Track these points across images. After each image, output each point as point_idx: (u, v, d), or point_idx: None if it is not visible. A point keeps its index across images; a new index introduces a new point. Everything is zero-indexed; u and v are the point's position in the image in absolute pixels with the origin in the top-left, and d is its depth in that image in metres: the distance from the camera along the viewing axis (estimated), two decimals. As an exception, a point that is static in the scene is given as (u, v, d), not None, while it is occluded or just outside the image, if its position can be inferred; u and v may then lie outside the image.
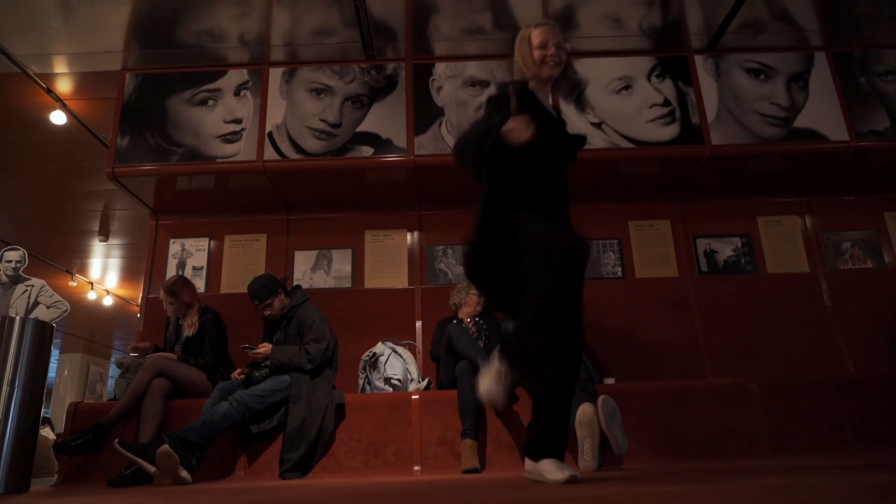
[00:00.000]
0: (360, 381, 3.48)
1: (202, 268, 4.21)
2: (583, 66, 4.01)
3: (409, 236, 4.27)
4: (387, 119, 3.94)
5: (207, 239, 4.28)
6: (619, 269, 4.18)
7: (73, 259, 7.16)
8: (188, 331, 3.43)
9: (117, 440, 2.74)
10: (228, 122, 3.94)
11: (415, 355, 3.72)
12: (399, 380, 3.35)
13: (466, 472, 2.78)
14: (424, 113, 3.95)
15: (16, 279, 3.32)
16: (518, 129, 1.78)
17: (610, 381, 3.52)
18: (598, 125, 3.92)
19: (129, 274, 7.69)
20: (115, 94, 4.02)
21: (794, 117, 3.94)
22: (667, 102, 3.97)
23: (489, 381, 1.83)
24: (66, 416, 3.23)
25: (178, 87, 4.02)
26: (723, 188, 4.24)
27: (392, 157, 3.85)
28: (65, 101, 4.25)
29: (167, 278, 3.89)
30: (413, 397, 3.14)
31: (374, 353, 3.46)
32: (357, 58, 4.05)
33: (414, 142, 3.88)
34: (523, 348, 1.77)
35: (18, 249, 3.39)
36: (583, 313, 1.81)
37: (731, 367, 3.83)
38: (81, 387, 10.40)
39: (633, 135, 3.89)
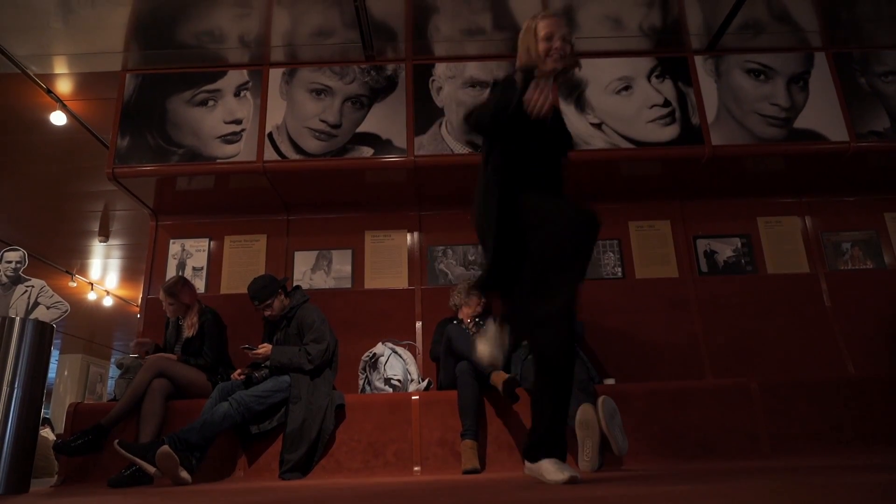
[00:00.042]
0: (360, 382, 3.48)
1: (202, 268, 4.21)
2: (583, 67, 3.99)
3: (409, 237, 4.27)
4: (387, 119, 3.94)
5: (207, 239, 4.28)
6: (619, 269, 4.18)
7: (73, 260, 7.15)
8: (188, 332, 3.43)
9: (117, 441, 2.74)
10: (228, 123, 3.94)
11: (415, 356, 3.72)
12: (399, 380, 3.35)
13: (466, 472, 2.78)
14: (424, 113, 3.95)
15: (16, 280, 3.32)
16: (540, 97, 1.77)
17: (610, 381, 3.52)
18: (598, 126, 3.92)
19: (129, 274, 7.68)
20: (115, 94, 4.02)
21: (794, 118, 3.94)
22: (667, 103, 3.97)
23: (488, 343, 1.88)
24: (66, 417, 3.23)
25: (178, 87, 4.02)
26: (723, 189, 4.24)
27: (392, 158, 3.86)
28: (65, 102, 4.25)
29: (167, 279, 3.90)
30: (413, 398, 3.14)
31: (374, 354, 3.46)
32: (357, 58, 4.06)
33: (414, 142, 3.88)
34: (532, 312, 1.76)
35: (18, 250, 3.39)
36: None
37: (731, 367, 3.83)
38: (81, 387, 10.40)
39: (633, 135, 3.89)
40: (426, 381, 3.43)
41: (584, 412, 2.60)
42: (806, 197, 4.33)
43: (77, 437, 2.95)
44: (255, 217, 4.29)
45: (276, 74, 4.05)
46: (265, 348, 3.13)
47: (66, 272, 7.33)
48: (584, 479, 1.71)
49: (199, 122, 3.94)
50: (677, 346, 3.94)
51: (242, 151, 3.87)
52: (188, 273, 4.15)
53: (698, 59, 4.09)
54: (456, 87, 4.02)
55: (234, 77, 4.05)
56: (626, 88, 4.01)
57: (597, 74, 4.02)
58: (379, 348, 3.50)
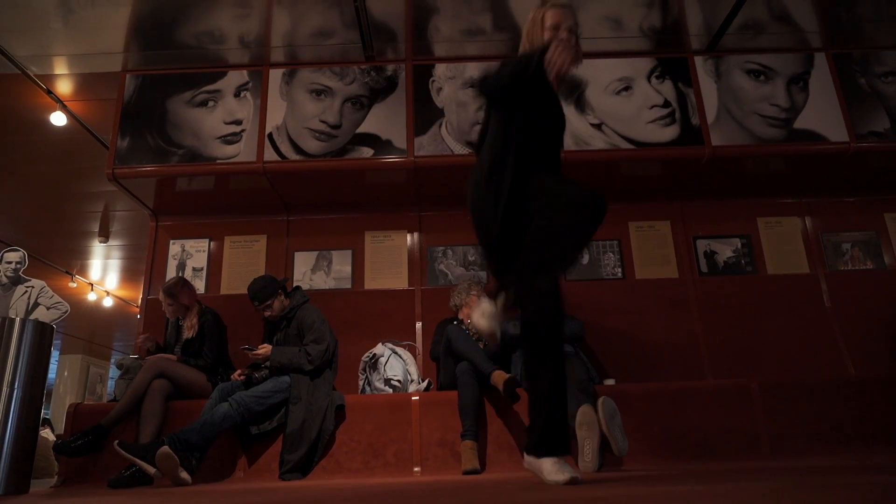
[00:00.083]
0: (360, 382, 3.48)
1: (202, 269, 4.21)
2: (583, 68, 3.98)
3: (409, 237, 4.27)
4: (387, 120, 3.94)
5: (207, 240, 4.28)
6: (619, 269, 4.18)
7: (73, 260, 7.16)
8: (187, 333, 3.43)
9: (117, 441, 2.74)
10: (228, 124, 3.95)
11: (415, 356, 3.72)
12: (399, 381, 3.35)
13: (466, 473, 2.77)
14: (424, 114, 3.95)
15: (16, 280, 3.32)
16: (561, 53, 1.75)
17: (610, 382, 3.51)
18: (598, 126, 3.92)
19: (129, 275, 7.69)
20: (116, 95, 4.02)
21: (794, 118, 3.94)
22: (667, 103, 3.97)
23: (484, 316, 1.88)
24: (66, 418, 3.23)
25: (178, 88, 4.02)
26: (723, 189, 4.24)
27: (392, 159, 3.86)
28: (65, 103, 4.25)
29: (167, 279, 3.90)
30: (413, 398, 3.13)
31: (374, 354, 3.46)
32: (357, 59, 4.06)
33: (414, 143, 3.88)
34: (529, 285, 1.76)
35: (18, 250, 3.39)
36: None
37: (731, 368, 3.83)
38: (81, 388, 10.40)
39: (633, 136, 3.90)
40: (426, 381, 3.43)
41: (584, 413, 2.60)
42: (806, 197, 4.33)
43: (77, 437, 2.95)
44: (255, 217, 4.29)
45: (276, 75, 4.05)
46: (265, 349, 3.13)
47: (66, 273, 7.34)
48: (584, 480, 1.71)
49: (199, 123, 3.94)
50: (677, 346, 3.94)
51: (242, 152, 3.87)
52: (188, 273, 4.15)
53: (698, 60, 4.09)
54: (456, 87, 4.02)
55: (234, 77, 4.05)
56: (627, 89, 4.02)
57: (597, 75, 4.02)
58: (379, 349, 3.50)
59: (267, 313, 3.24)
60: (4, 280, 3.30)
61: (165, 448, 2.62)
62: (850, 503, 0.93)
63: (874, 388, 3.21)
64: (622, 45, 4.03)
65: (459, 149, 3.86)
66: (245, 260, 4.22)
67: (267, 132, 3.91)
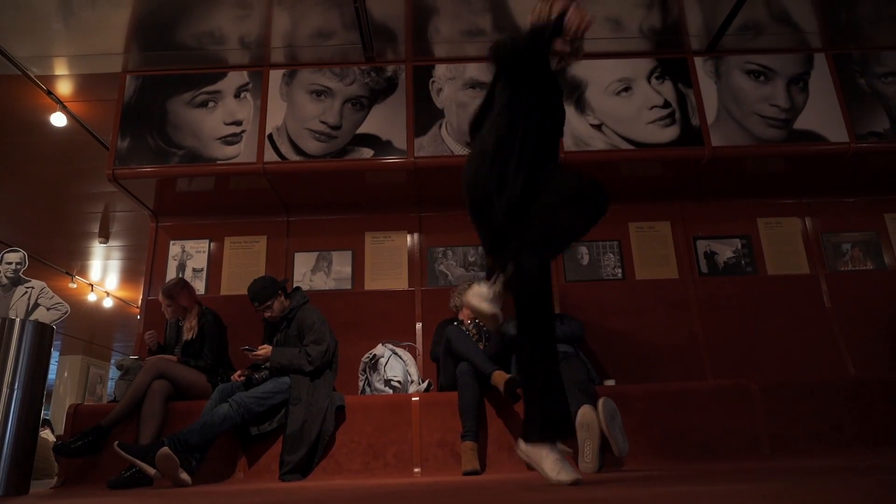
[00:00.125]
0: (360, 383, 3.47)
1: (202, 270, 4.21)
2: (583, 68, 4.01)
3: (409, 238, 4.27)
4: (387, 121, 3.94)
5: (207, 241, 4.28)
6: (619, 270, 4.18)
7: (73, 261, 7.16)
8: (187, 335, 3.43)
9: (117, 442, 2.74)
10: (229, 124, 3.95)
11: (415, 357, 3.72)
12: (399, 382, 3.35)
13: (467, 473, 2.77)
14: (424, 115, 3.95)
15: (16, 281, 3.32)
16: (580, 12, 1.75)
17: (610, 382, 3.51)
18: (598, 127, 3.92)
19: (129, 276, 7.69)
20: (116, 95, 4.02)
21: (793, 119, 3.94)
22: (667, 104, 3.97)
23: (483, 299, 1.79)
24: (65, 418, 3.22)
25: (178, 89, 4.02)
26: (723, 190, 4.24)
27: (392, 159, 3.86)
28: (65, 103, 4.26)
29: (167, 280, 3.90)
30: (413, 399, 3.13)
31: (375, 355, 3.46)
32: (357, 60, 4.06)
33: (414, 143, 3.88)
34: (525, 262, 1.76)
35: (18, 251, 3.39)
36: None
37: (731, 368, 3.83)
38: (81, 389, 10.40)
39: (633, 136, 3.90)
40: (426, 382, 3.43)
41: (584, 413, 2.59)
42: (806, 198, 4.33)
43: (77, 438, 2.95)
44: (255, 218, 4.29)
45: (276, 76, 4.05)
46: (265, 350, 3.13)
47: (67, 273, 7.34)
48: (584, 481, 1.71)
49: (200, 124, 3.94)
50: (677, 347, 3.94)
51: (242, 153, 3.87)
52: (188, 274, 4.15)
53: (698, 61, 4.09)
54: (456, 88, 4.02)
55: (235, 78, 4.05)
56: (626, 90, 4.02)
57: (597, 75, 4.02)
58: (379, 349, 3.49)
59: (267, 314, 3.24)
60: (4, 281, 3.30)
61: (165, 449, 2.62)
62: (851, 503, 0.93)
63: (874, 388, 3.21)
64: (622, 45, 4.03)
65: (459, 149, 3.86)
66: (245, 261, 4.22)
67: (267, 133, 3.91)
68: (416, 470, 2.98)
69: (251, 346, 3.16)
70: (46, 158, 4.94)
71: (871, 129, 3.92)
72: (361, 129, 3.93)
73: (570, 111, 3.92)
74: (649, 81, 4.03)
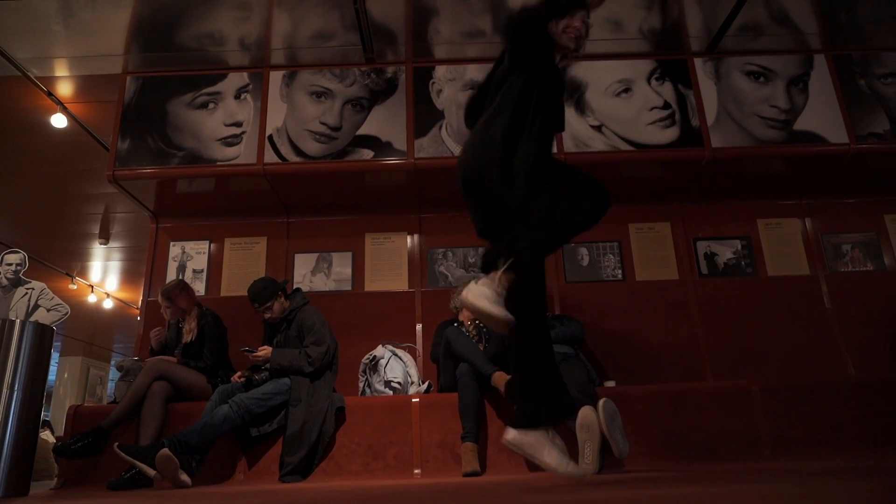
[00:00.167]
0: (361, 385, 3.47)
1: (202, 271, 4.21)
2: (583, 69, 4.01)
3: (409, 239, 4.27)
4: (387, 122, 3.94)
5: (208, 242, 4.28)
6: (619, 271, 4.18)
7: (73, 262, 7.16)
8: (186, 337, 3.43)
9: (117, 444, 2.74)
10: (229, 126, 3.95)
11: (415, 358, 3.72)
12: (399, 383, 3.35)
13: (467, 475, 2.77)
14: (424, 116, 3.96)
15: (16, 282, 3.32)
16: None
17: (610, 384, 3.51)
18: (597, 128, 3.92)
19: (129, 277, 7.69)
20: (116, 97, 4.03)
21: (793, 120, 3.94)
22: (667, 105, 3.97)
23: (484, 296, 1.67)
24: (65, 420, 3.22)
25: (178, 90, 4.03)
26: (723, 191, 4.24)
27: (392, 160, 3.86)
28: (65, 105, 4.26)
29: (167, 282, 3.90)
30: (413, 400, 3.13)
31: (375, 356, 3.46)
32: (357, 61, 4.06)
33: (414, 145, 3.88)
34: (521, 241, 1.74)
35: (19, 252, 3.39)
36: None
37: (731, 369, 3.82)
38: (81, 390, 10.40)
39: (633, 137, 3.90)
40: (426, 383, 3.42)
41: (584, 415, 2.58)
42: (806, 199, 4.33)
43: (77, 439, 2.94)
44: (255, 219, 4.29)
45: (276, 77, 4.06)
46: (265, 351, 3.13)
47: (67, 274, 7.34)
48: (585, 483, 1.71)
49: (200, 125, 3.95)
50: (678, 348, 3.94)
51: (243, 154, 3.87)
52: (188, 275, 4.15)
53: (698, 62, 4.10)
54: (456, 89, 4.02)
55: (235, 80, 4.05)
56: (626, 91, 4.02)
57: (597, 77, 4.02)
58: (379, 351, 3.49)
59: (267, 315, 3.24)
60: (5, 282, 3.30)
61: (165, 450, 2.62)
62: (851, 505, 0.93)
63: (875, 389, 3.21)
64: (622, 46, 4.04)
65: (459, 151, 3.86)
66: (245, 262, 4.22)
67: (267, 134, 3.91)
68: (416, 471, 2.97)
69: (251, 348, 3.16)
70: (47, 160, 4.94)
71: (870, 130, 3.92)
72: (361, 131, 3.93)
73: (570, 112, 3.92)
74: (649, 82, 4.04)
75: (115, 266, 7.36)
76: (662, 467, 2.80)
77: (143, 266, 4.35)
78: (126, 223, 6.10)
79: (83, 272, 7.50)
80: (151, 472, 2.67)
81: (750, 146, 3.88)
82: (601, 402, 2.59)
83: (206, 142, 3.90)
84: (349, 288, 4.16)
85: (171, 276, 4.14)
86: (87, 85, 4.14)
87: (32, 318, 3.17)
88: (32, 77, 4.00)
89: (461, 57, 4.08)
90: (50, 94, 4.15)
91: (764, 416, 3.11)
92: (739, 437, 3.06)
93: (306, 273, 4.20)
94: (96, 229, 6.29)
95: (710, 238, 4.25)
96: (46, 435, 5.67)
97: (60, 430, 5.15)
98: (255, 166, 3.83)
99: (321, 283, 4.17)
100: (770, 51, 4.08)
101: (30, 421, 2.80)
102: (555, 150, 3.11)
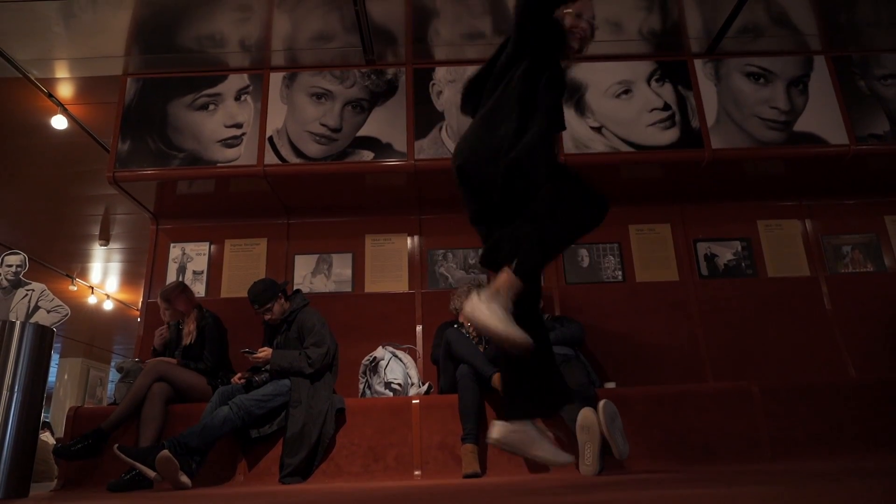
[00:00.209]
0: (361, 386, 3.47)
1: (202, 272, 4.21)
2: (582, 71, 4.01)
3: (409, 240, 4.27)
4: (387, 123, 3.95)
5: (208, 243, 4.28)
6: (620, 273, 4.18)
7: (73, 263, 7.16)
8: (186, 339, 3.43)
9: (117, 445, 2.74)
10: (229, 127, 3.95)
11: (415, 360, 3.72)
12: (399, 384, 3.34)
13: (467, 476, 2.77)
14: (425, 117, 3.96)
15: (16, 283, 3.32)
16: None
17: (610, 385, 3.51)
18: (598, 129, 3.93)
19: (129, 278, 7.69)
20: (116, 98, 4.03)
21: (793, 121, 3.94)
22: (667, 106, 3.98)
23: (492, 314, 1.56)
24: (65, 421, 3.22)
25: (178, 91, 4.03)
26: (723, 192, 4.24)
27: (392, 162, 3.86)
28: (66, 106, 4.26)
29: (167, 283, 3.90)
30: (413, 402, 3.13)
31: (375, 358, 3.46)
32: (357, 62, 4.07)
33: (414, 146, 3.88)
34: (548, 230, 1.71)
35: (19, 254, 3.39)
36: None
37: (731, 370, 3.82)
38: (81, 391, 10.40)
39: (633, 139, 3.90)
40: (426, 384, 3.42)
41: (584, 416, 2.59)
42: (806, 200, 4.33)
43: (77, 441, 2.94)
44: (255, 221, 4.29)
45: (276, 78, 4.06)
46: (265, 352, 3.13)
47: (67, 276, 7.34)
48: (585, 484, 1.71)
49: (200, 126, 3.95)
50: (678, 349, 3.94)
51: (243, 155, 3.88)
52: (188, 277, 4.15)
53: (698, 63, 4.10)
54: (456, 90, 4.02)
55: (235, 81, 4.06)
56: (626, 92, 4.02)
57: (597, 78, 4.02)
58: (379, 352, 3.49)
59: (267, 316, 3.24)
60: (5, 283, 3.30)
61: (165, 452, 2.62)
62: (852, 507, 0.93)
63: (875, 390, 3.20)
64: (622, 48, 4.04)
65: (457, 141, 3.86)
66: (245, 263, 4.22)
67: (267, 135, 3.91)
68: (416, 473, 2.97)
69: (251, 349, 3.16)
70: (47, 161, 4.94)
71: (870, 132, 3.92)
72: (362, 132, 3.93)
73: (570, 114, 3.93)
74: (649, 84, 4.04)
75: (116, 267, 7.36)
76: (663, 468, 2.80)
77: (143, 267, 4.35)
78: (126, 224, 6.10)
79: (83, 273, 7.50)
80: (151, 473, 2.67)
81: (750, 147, 3.88)
82: (601, 403, 2.60)
83: (207, 143, 3.90)
84: (349, 289, 4.16)
85: (172, 277, 4.15)
86: (88, 86, 4.14)
87: (32, 320, 3.17)
88: (33, 78, 4.00)
89: (461, 58, 4.08)
90: (50, 96, 4.15)
91: (764, 418, 3.11)
92: (739, 439, 3.05)
93: (306, 274, 4.20)
94: (96, 231, 6.29)
95: (711, 239, 4.25)
96: (46, 436, 5.66)
97: (60, 432, 5.15)
98: (255, 168, 3.83)
99: (321, 285, 4.17)
100: (770, 52, 4.08)
101: (30, 422, 2.80)
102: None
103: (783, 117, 3.95)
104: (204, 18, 3.66)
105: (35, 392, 2.85)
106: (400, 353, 3.51)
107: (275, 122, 3.95)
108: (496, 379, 2.91)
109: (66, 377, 10.37)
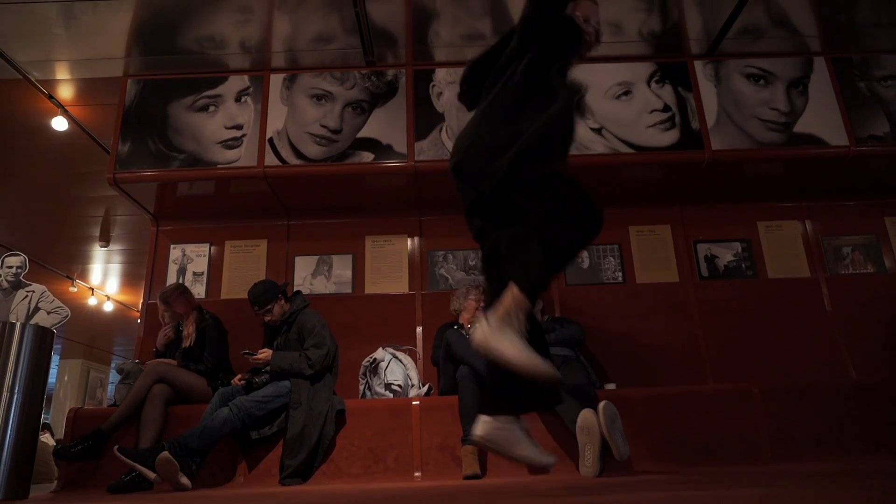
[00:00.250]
0: (361, 387, 3.47)
1: (203, 273, 4.21)
2: (583, 72, 4.02)
3: (409, 242, 4.27)
4: (387, 125, 3.95)
5: (208, 245, 4.28)
6: (620, 274, 4.18)
7: (73, 265, 7.16)
8: (185, 342, 3.43)
9: (117, 446, 2.74)
10: (229, 128, 3.95)
11: (415, 361, 3.72)
12: (399, 385, 3.34)
13: (467, 478, 2.77)
14: (425, 119, 3.96)
15: (16, 285, 3.32)
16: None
17: (611, 386, 3.51)
18: (598, 130, 3.93)
19: (129, 279, 7.69)
20: (117, 100, 4.03)
21: (793, 122, 3.94)
22: (667, 108, 3.98)
23: (511, 343, 1.47)
24: (65, 422, 3.22)
25: (179, 93, 4.03)
26: (723, 193, 4.24)
27: (392, 163, 3.86)
28: (66, 107, 4.26)
29: (167, 285, 3.90)
30: (413, 403, 3.13)
31: (375, 359, 3.46)
32: (358, 64, 4.07)
33: (414, 147, 3.88)
34: (561, 233, 1.70)
35: (19, 255, 3.40)
36: None
37: (731, 372, 3.82)
38: (81, 392, 10.40)
39: (633, 140, 3.90)
40: (427, 386, 3.42)
41: (584, 418, 2.59)
42: (806, 201, 4.33)
43: (77, 442, 2.94)
44: (255, 222, 4.29)
45: (276, 80, 4.06)
46: (265, 353, 3.13)
47: (67, 277, 7.34)
48: (585, 486, 1.71)
49: (200, 128, 3.95)
50: (678, 350, 3.94)
51: (243, 157, 3.88)
52: (189, 278, 4.15)
53: (698, 64, 4.10)
54: (456, 92, 4.02)
55: (235, 82, 4.06)
56: (626, 93, 4.02)
57: (597, 79, 4.03)
58: (379, 353, 3.49)
59: (267, 318, 3.24)
60: (5, 285, 3.30)
61: (165, 453, 2.62)
62: (852, 508, 0.93)
63: (875, 391, 3.20)
64: (622, 49, 4.04)
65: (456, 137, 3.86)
66: (245, 264, 4.22)
67: (268, 137, 3.91)
68: (416, 474, 2.97)
69: (251, 350, 3.16)
70: (47, 162, 4.94)
71: (870, 133, 3.92)
72: (362, 133, 3.94)
73: (570, 115, 3.92)
74: (649, 85, 4.04)
75: (116, 269, 7.36)
76: (663, 469, 2.80)
77: (143, 269, 4.36)
78: (126, 226, 6.10)
79: (84, 275, 7.50)
80: (151, 475, 2.67)
81: (750, 148, 3.88)
82: (601, 404, 2.60)
83: (207, 144, 3.91)
84: (349, 290, 4.16)
85: (172, 278, 4.15)
86: (88, 88, 4.15)
87: (33, 321, 3.17)
88: (33, 80, 4.00)
89: (461, 60, 4.08)
90: (51, 97, 4.15)
91: (764, 419, 3.11)
92: (740, 440, 3.05)
93: (306, 276, 4.20)
94: (97, 232, 6.29)
95: (711, 240, 4.25)
96: (46, 438, 5.67)
97: (60, 433, 5.15)
98: (255, 169, 3.83)
99: (321, 286, 4.17)
100: (770, 53, 4.08)
101: (30, 424, 2.80)
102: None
103: (783, 118, 3.95)
104: (204, 20, 3.67)
105: (35, 393, 2.85)
106: (400, 355, 3.51)
107: (275, 124, 3.95)
108: (496, 380, 2.90)
109: (66, 378, 10.37)
